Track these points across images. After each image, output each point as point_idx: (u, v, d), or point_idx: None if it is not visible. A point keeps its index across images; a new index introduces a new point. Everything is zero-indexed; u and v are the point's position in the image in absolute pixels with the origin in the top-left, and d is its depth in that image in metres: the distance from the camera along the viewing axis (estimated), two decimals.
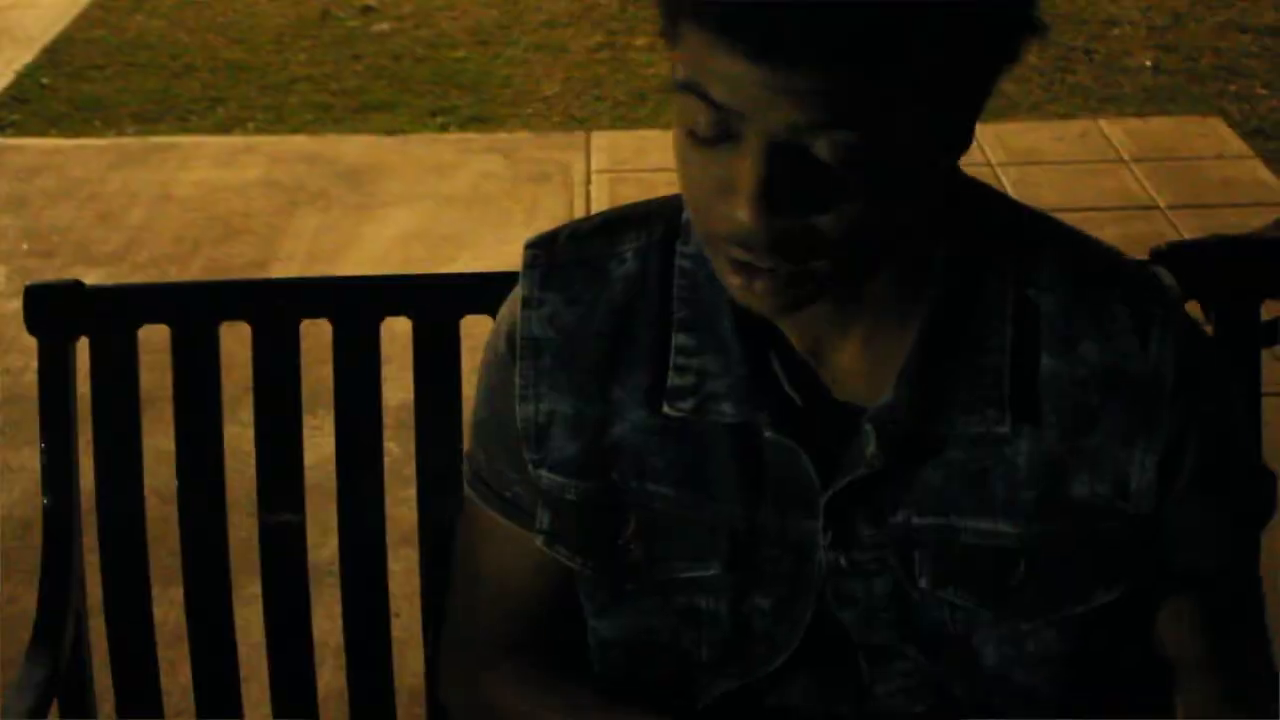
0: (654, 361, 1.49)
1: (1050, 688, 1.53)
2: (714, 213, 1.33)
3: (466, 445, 1.65)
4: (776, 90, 1.24)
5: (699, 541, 1.51)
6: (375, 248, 5.25)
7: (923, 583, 1.48)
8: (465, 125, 6.33)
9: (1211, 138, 5.95)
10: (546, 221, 5.28)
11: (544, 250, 1.55)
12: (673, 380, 1.48)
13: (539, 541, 1.56)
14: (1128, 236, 4.58)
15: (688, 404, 1.48)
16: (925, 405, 1.44)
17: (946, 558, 1.48)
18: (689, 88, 1.29)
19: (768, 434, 1.46)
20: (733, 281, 1.35)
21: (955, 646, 1.51)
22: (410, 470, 2.03)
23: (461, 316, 2.03)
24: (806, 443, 1.46)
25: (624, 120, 6.29)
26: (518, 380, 1.53)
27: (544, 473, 1.54)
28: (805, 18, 1.21)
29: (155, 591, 2.07)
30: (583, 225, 1.57)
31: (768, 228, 1.29)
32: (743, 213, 1.28)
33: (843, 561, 1.48)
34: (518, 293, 1.56)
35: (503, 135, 6.20)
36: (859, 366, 1.47)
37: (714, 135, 1.30)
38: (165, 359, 2.02)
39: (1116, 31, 6.94)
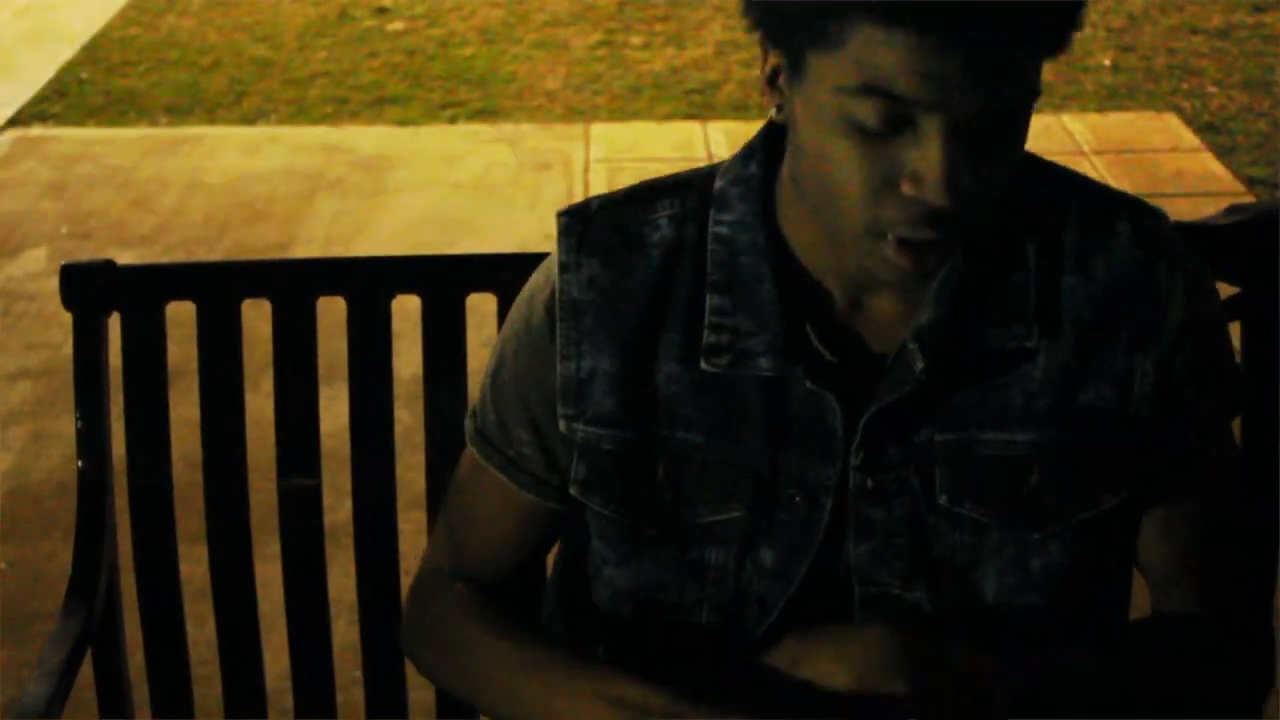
0: (689, 321, 1.50)
1: (1046, 611, 1.53)
2: (884, 201, 1.34)
3: (475, 402, 1.65)
4: (966, 76, 1.28)
5: (724, 484, 1.51)
6: (389, 231, 5.25)
7: (942, 499, 1.49)
8: (473, 118, 6.32)
9: (1166, 132, 5.95)
10: (548, 207, 5.25)
11: (578, 218, 1.55)
12: (708, 338, 1.49)
13: (573, 490, 1.56)
14: None
15: (723, 359, 1.49)
16: (962, 322, 1.47)
17: (965, 472, 1.49)
18: (867, 90, 1.29)
19: (806, 385, 1.47)
20: (893, 259, 1.37)
21: (958, 579, 1.51)
22: (420, 438, 2.02)
23: (468, 294, 2.02)
24: (839, 391, 1.47)
25: (621, 113, 6.27)
26: (559, 340, 1.53)
27: (580, 426, 1.54)
28: (993, 2, 1.25)
29: (182, 550, 2.06)
30: (614, 195, 1.57)
31: (955, 204, 1.32)
32: (934, 194, 1.31)
33: (869, 483, 1.49)
34: (549, 263, 1.57)
35: (508, 127, 6.19)
36: (894, 310, 1.49)
37: (885, 128, 1.31)
38: (191, 333, 2.01)
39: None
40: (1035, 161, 1.52)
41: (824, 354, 1.47)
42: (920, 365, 1.45)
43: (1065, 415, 1.48)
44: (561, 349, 1.53)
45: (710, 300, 1.50)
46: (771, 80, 1.40)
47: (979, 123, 1.31)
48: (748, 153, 1.52)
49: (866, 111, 1.31)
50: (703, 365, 1.49)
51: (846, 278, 1.48)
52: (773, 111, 1.43)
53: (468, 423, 1.65)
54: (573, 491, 1.56)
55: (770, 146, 1.51)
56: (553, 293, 1.54)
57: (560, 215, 1.56)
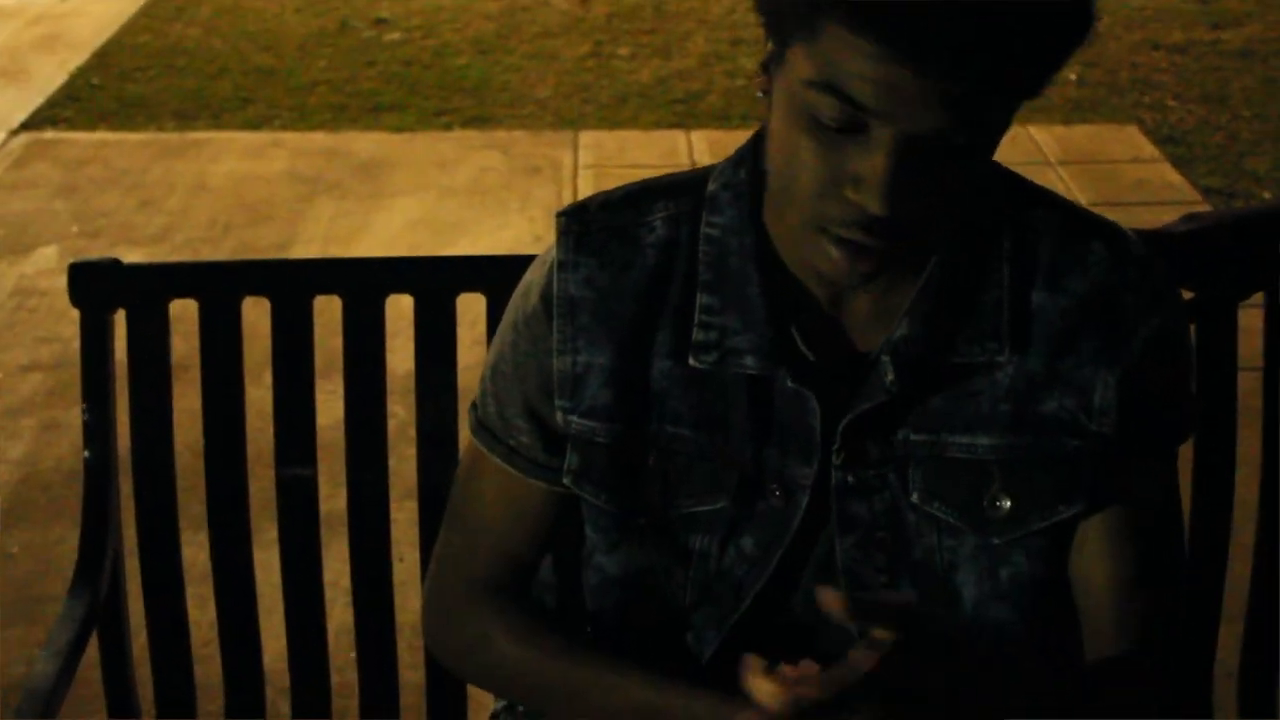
0: (680, 319, 1.50)
1: (1019, 621, 1.52)
2: (829, 198, 1.33)
3: (476, 395, 1.63)
4: (922, 95, 1.26)
5: (711, 477, 1.51)
6: (385, 232, 5.24)
7: (914, 496, 1.49)
8: (467, 124, 6.31)
9: (1127, 143, 5.96)
10: (539, 211, 5.27)
11: (576, 219, 1.53)
12: (697, 336, 1.49)
13: (567, 481, 1.55)
14: None
15: (711, 357, 1.48)
16: (935, 337, 1.46)
17: (934, 473, 1.48)
18: (827, 87, 1.28)
19: (789, 385, 1.46)
20: (833, 257, 1.36)
21: (939, 582, 1.51)
22: (412, 431, 2.03)
23: (459, 294, 2.02)
24: (820, 391, 1.47)
25: (608, 121, 6.27)
26: (555, 336, 1.52)
27: (575, 419, 1.53)
28: (962, 30, 1.22)
29: (184, 535, 2.06)
30: (612, 196, 1.56)
31: (893, 215, 1.31)
32: (872, 202, 1.30)
33: (850, 479, 1.49)
34: (546, 258, 1.55)
35: (500, 133, 6.19)
36: (873, 311, 1.48)
37: (840, 127, 1.30)
38: (195, 329, 2.01)
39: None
40: (1013, 178, 1.52)
41: (807, 355, 1.47)
42: (890, 378, 1.45)
43: (1026, 422, 1.48)
44: (558, 345, 1.52)
45: (700, 299, 1.49)
46: (765, 66, 1.39)
47: (933, 142, 1.29)
48: (739, 158, 1.52)
49: (825, 108, 1.30)
50: (691, 361, 1.49)
51: (824, 279, 1.47)
52: (759, 94, 1.42)
53: (470, 416, 1.63)
54: (566, 481, 1.55)
55: (760, 153, 1.50)
56: (548, 286, 1.53)
57: (559, 216, 1.55)
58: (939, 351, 1.47)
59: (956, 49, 1.23)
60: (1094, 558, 1.53)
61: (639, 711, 1.48)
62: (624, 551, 1.57)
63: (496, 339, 1.61)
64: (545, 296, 1.53)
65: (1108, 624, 1.53)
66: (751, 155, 1.51)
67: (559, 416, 1.54)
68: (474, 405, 1.63)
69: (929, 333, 1.46)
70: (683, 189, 1.54)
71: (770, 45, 1.38)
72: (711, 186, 1.52)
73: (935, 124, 1.28)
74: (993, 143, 1.36)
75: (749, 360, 1.48)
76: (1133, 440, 1.50)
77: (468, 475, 1.65)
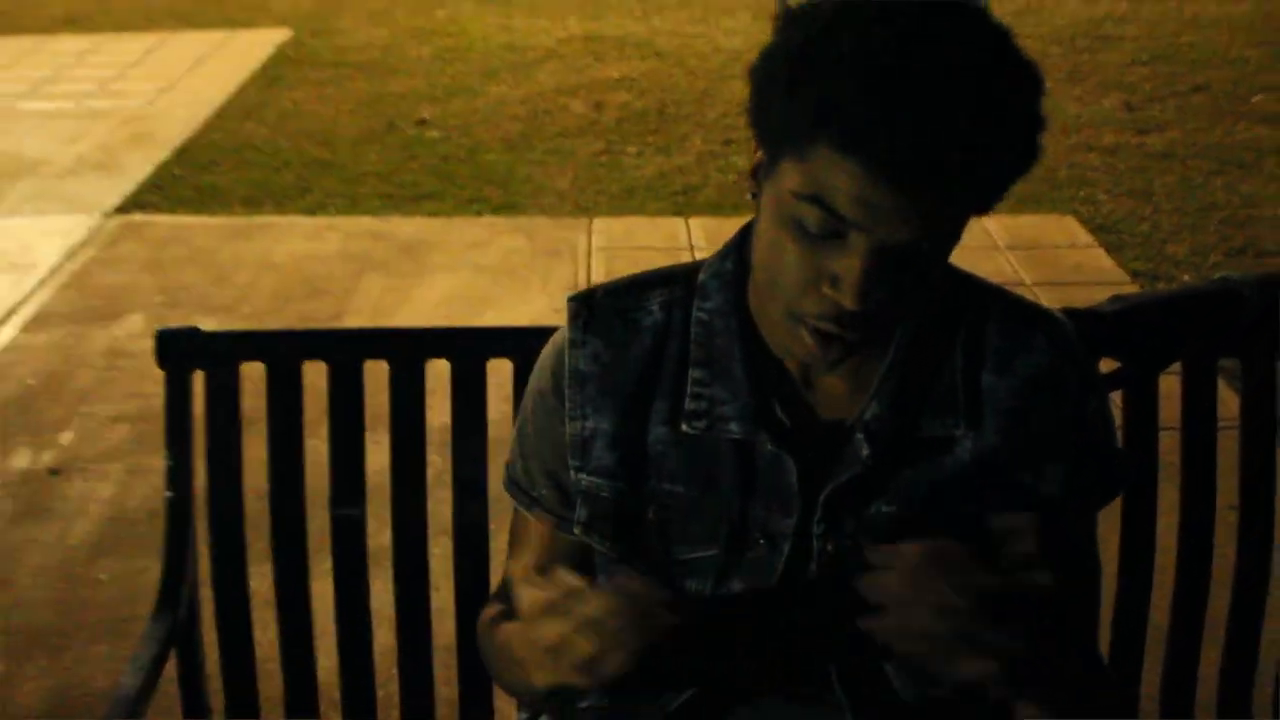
0: (674, 390, 1.51)
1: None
2: (808, 294, 1.35)
3: (509, 454, 1.65)
4: (896, 210, 1.27)
5: (704, 528, 1.51)
6: (425, 305, 5.25)
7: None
8: (496, 211, 6.33)
9: (1066, 232, 5.97)
10: (558, 287, 5.28)
11: (584, 304, 1.56)
12: (689, 405, 1.50)
13: (577, 530, 1.56)
14: None
15: (701, 423, 1.49)
16: (901, 415, 1.47)
17: (903, 539, 1.47)
18: (813, 199, 1.30)
19: (769, 448, 1.47)
20: (808, 344, 1.38)
21: None
22: (448, 477, 2.03)
23: (489, 359, 2.03)
24: (796, 454, 1.47)
25: (618, 209, 6.28)
26: (567, 405, 1.53)
27: (584, 476, 1.54)
28: (934, 157, 1.24)
29: (251, 567, 2.06)
30: (615, 284, 1.57)
31: (864, 311, 1.32)
32: (846, 298, 1.32)
33: (830, 547, 1.49)
34: (558, 340, 1.57)
35: (524, 219, 6.20)
36: (842, 388, 1.49)
37: (821, 234, 1.31)
38: (262, 388, 2.03)
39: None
40: (964, 277, 1.53)
41: (784, 421, 1.48)
42: (866, 452, 1.46)
43: (990, 491, 1.48)
44: (569, 412, 1.54)
45: (692, 374, 1.50)
46: (755, 173, 1.41)
47: (901, 250, 1.31)
48: (725, 252, 1.54)
49: (810, 216, 1.31)
50: (684, 427, 1.50)
51: (798, 360, 1.48)
52: (749, 197, 1.44)
53: (505, 473, 1.65)
54: (576, 531, 1.56)
55: (743, 245, 1.51)
56: (559, 365, 1.55)
57: (570, 300, 1.56)
58: (906, 428, 1.47)
59: (928, 173, 1.25)
60: None
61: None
62: None
63: (521, 408, 1.63)
64: (556, 374, 1.55)
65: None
66: (737, 249, 1.52)
67: (572, 473, 1.55)
68: (508, 464, 1.65)
69: (895, 411, 1.47)
70: (676, 279, 1.55)
71: (761, 155, 1.39)
72: (702, 277, 1.53)
73: (905, 235, 1.29)
74: (947, 251, 1.37)
75: (734, 426, 1.48)
76: (1074, 500, 1.51)
77: (513, 526, 1.67)
